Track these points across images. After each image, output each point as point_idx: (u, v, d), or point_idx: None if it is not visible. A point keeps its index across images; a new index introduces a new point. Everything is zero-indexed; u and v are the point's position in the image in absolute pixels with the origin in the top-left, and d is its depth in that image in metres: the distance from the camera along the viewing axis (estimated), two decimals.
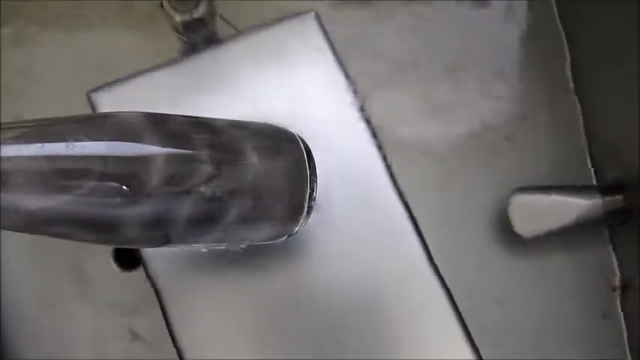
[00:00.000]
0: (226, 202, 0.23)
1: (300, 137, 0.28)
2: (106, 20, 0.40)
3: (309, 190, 0.27)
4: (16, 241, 0.37)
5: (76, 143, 0.19)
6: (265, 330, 0.30)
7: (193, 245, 0.28)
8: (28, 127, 0.19)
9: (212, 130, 0.24)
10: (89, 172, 0.19)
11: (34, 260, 0.37)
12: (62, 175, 0.19)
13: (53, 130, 0.19)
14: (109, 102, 0.31)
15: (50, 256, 0.37)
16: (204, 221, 0.23)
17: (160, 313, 0.30)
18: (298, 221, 0.27)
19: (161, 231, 0.22)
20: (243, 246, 0.30)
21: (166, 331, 0.30)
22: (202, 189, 0.22)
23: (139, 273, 0.36)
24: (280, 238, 0.28)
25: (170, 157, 0.21)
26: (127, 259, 0.37)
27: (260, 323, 0.30)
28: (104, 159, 0.19)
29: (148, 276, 0.30)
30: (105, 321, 0.36)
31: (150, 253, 0.30)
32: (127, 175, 0.20)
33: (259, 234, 0.26)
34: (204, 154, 0.22)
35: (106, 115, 0.21)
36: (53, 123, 0.19)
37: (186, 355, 0.29)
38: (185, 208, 0.22)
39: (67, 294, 0.37)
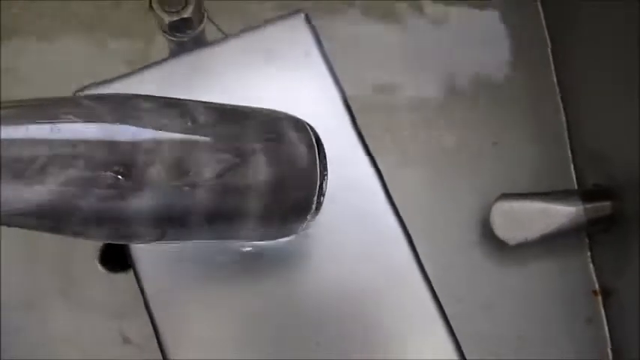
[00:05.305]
0: (240, 197, 0.21)
1: (309, 125, 0.24)
2: (95, 20, 0.39)
3: (318, 184, 0.24)
4: (2, 243, 0.37)
5: (60, 126, 0.16)
6: (253, 335, 0.30)
7: (196, 241, 0.26)
8: (10, 107, 0.16)
9: (223, 116, 0.21)
10: (77, 158, 0.16)
11: (20, 263, 0.37)
12: (45, 162, 0.16)
13: (38, 111, 0.17)
14: None
15: (37, 258, 0.37)
16: (213, 218, 0.21)
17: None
18: (306, 218, 0.24)
19: (160, 227, 0.19)
20: (248, 248, 0.28)
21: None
22: (213, 182, 0.19)
23: (129, 274, 0.36)
24: (285, 236, 0.25)
25: (176, 144, 0.18)
26: (116, 261, 0.36)
27: (248, 329, 0.30)
28: (96, 144, 0.17)
29: (137, 279, 0.30)
30: (95, 324, 0.36)
31: (140, 255, 0.30)
32: (123, 162, 0.17)
33: (265, 232, 0.24)
34: (216, 141, 0.20)
35: (102, 96, 0.18)
36: (40, 103, 0.17)
37: (172, 357, 0.29)
38: (192, 203, 0.19)
39: (54, 297, 0.36)
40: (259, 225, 0.22)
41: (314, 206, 0.24)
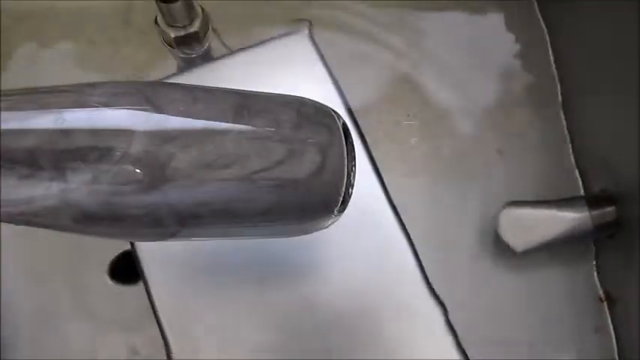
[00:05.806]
0: (276, 191, 0.19)
1: (335, 112, 0.22)
2: (104, 35, 0.40)
3: (346, 177, 0.21)
4: (12, 256, 0.37)
5: (67, 117, 0.14)
6: (262, 343, 0.30)
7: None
8: (19, 95, 0.15)
9: (277, 104, 0.20)
10: (90, 151, 0.15)
11: (30, 276, 0.37)
12: (52, 156, 0.14)
13: (46, 99, 0.15)
14: None
15: (47, 270, 0.37)
16: (251, 216, 0.19)
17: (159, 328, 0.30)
18: (333, 212, 0.22)
19: (181, 225, 0.17)
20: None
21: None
22: (262, 174, 0.17)
23: (138, 287, 0.36)
24: (308, 233, 0.24)
25: (211, 134, 0.16)
26: (126, 274, 0.37)
27: (257, 337, 0.30)
28: (118, 134, 0.15)
29: (147, 290, 0.30)
30: (103, 337, 0.36)
31: (149, 266, 0.30)
32: (144, 154, 0.15)
33: (290, 228, 0.22)
34: (256, 132, 0.17)
35: (120, 82, 0.16)
36: (51, 90, 0.15)
37: None
38: (220, 198, 0.17)
39: (64, 309, 0.36)
40: (288, 221, 0.21)
41: (341, 198, 0.21)
